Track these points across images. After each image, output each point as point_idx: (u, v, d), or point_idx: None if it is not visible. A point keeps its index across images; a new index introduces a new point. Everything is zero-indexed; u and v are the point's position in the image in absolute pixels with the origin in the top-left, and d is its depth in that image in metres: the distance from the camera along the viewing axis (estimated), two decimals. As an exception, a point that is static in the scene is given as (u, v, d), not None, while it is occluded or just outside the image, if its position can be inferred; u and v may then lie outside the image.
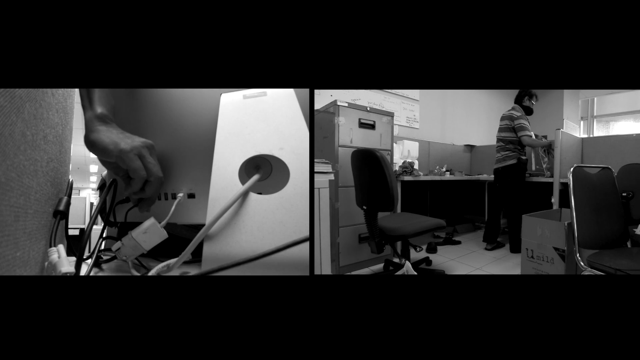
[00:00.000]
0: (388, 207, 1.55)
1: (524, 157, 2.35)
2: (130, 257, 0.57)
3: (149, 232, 0.56)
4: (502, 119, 2.45)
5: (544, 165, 2.42)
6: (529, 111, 2.44)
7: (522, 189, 2.37)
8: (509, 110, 2.44)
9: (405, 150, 2.58)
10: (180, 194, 0.64)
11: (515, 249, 2.34)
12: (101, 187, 0.90)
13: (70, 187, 0.73)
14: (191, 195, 0.65)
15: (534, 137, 2.44)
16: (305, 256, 0.50)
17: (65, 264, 0.51)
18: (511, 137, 2.37)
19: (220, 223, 0.53)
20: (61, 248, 0.55)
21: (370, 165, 1.56)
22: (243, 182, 0.54)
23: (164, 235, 0.57)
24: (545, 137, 2.57)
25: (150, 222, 0.56)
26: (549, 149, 2.38)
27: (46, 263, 0.54)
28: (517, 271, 1.88)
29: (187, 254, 0.53)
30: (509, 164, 2.37)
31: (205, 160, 0.57)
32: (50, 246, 0.56)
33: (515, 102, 2.46)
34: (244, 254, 0.51)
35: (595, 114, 4.50)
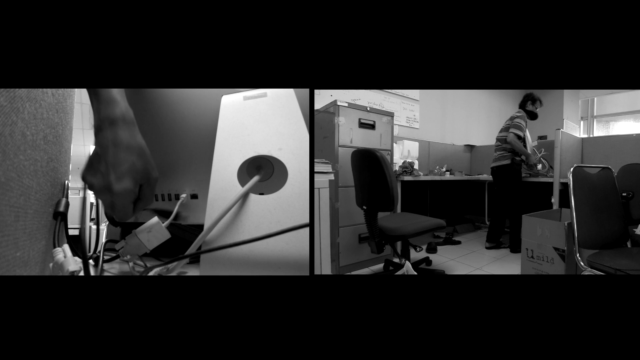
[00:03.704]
0: (388, 207, 1.55)
1: (518, 158, 2.36)
2: (133, 256, 0.57)
3: (153, 231, 0.56)
4: (506, 120, 2.48)
5: (539, 169, 2.43)
6: (532, 115, 2.46)
7: (517, 189, 2.38)
8: (514, 113, 2.47)
9: (405, 150, 2.58)
10: (184, 195, 0.64)
11: (515, 249, 2.34)
12: None
13: (66, 189, 0.73)
14: (194, 196, 0.65)
15: (529, 140, 2.43)
16: (305, 256, 0.50)
17: (72, 263, 0.52)
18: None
19: (218, 222, 0.53)
20: (66, 248, 0.55)
21: (370, 165, 1.56)
22: (243, 182, 0.54)
23: (166, 235, 0.57)
24: (540, 149, 2.57)
25: (154, 221, 0.57)
26: (527, 160, 2.39)
27: (51, 264, 0.54)
28: (517, 271, 1.88)
29: (186, 257, 0.53)
30: (503, 164, 2.40)
31: (208, 162, 0.57)
32: (55, 247, 0.57)
33: (520, 107, 2.49)
34: (242, 254, 0.51)
35: (595, 114, 4.50)
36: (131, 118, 0.52)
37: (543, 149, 2.51)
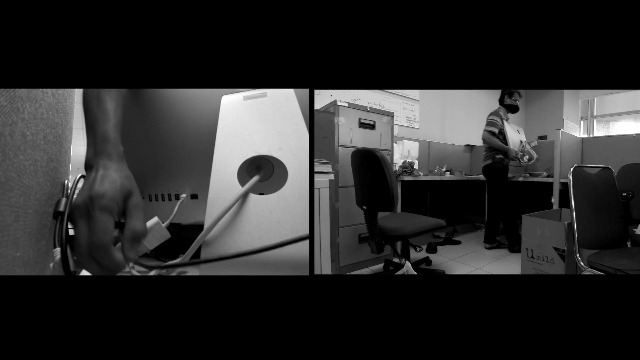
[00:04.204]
0: (388, 207, 1.55)
1: (498, 157, 2.37)
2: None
3: (153, 231, 0.56)
4: None
5: (524, 161, 2.43)
6: (513, 109, 2.48)
7: (503, 188, 2.39)
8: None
9: (405, 150, 2.58)
10: (184, 195, 0.64)
11: (513, 248, 2.34)
12: None
13: (66, 189, 0.73)
14: (194, 196, 0.65)
15: (508, 134, 2.43)
16: (305, 256, 0.50)
17: (72, 263, 0.52)
18: None
19: (218, 223, 0.53)
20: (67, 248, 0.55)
21: (370, 165, 1.56)
22: (243, 182, 0.54)
23: (166, 235, 0.57)
24: (528, 143, 2.58)
25: (154, 221, 0.57)
26: (507, 154, 2.39)
27: (51, 264, 0.54)
28: (517, 271, 1.88)
29: (186, 257, 0.53)
30: (486, 164, 2.43)
31: (208, 162, 0.57)
32: (55, 247, 0.56)
33: (499, 102, 2.52)
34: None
35: (595, 114, 4.50)
36: (122, 154, 0.55)
37: (527, 141, 2.52)
